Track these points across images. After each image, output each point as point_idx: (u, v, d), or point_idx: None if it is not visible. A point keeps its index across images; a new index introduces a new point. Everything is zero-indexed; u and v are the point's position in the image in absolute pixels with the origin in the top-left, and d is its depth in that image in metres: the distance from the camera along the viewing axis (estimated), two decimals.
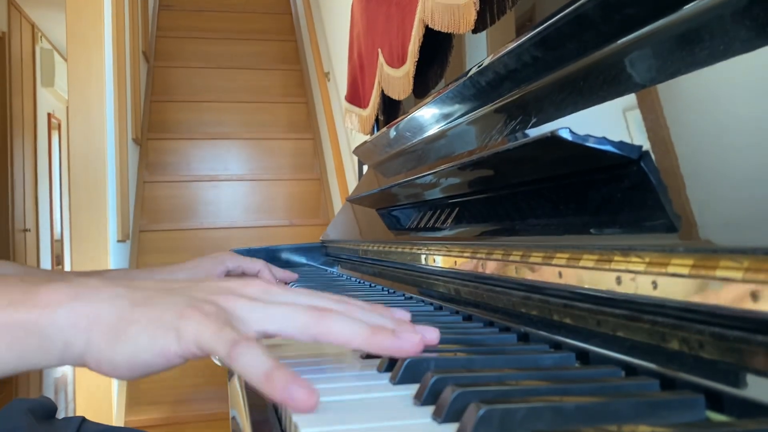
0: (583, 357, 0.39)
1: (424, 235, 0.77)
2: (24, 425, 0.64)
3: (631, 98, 0.46)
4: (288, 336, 0.37)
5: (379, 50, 1.26)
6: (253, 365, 0.32)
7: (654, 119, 0.42)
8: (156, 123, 3.46)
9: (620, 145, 0.42)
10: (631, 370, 0.34)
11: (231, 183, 3.26)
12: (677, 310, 0.32)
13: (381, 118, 1.40)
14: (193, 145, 3.37)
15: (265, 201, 3.26)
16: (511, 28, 0.75)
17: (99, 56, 2.34)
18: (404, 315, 0.42)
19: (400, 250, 0.82)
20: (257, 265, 0.90)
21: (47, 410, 0.72)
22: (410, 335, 0.37)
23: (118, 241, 2.53)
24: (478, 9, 0.81)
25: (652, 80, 0.44)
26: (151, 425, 2.32)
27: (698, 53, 0.41)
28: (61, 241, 6.30)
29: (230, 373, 0.51)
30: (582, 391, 0.31)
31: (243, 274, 0.92)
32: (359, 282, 0.94)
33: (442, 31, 0.89)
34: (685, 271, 0.31)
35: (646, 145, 0.41)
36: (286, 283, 0.95)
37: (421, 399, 0.32)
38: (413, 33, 1.03)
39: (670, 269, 0.32)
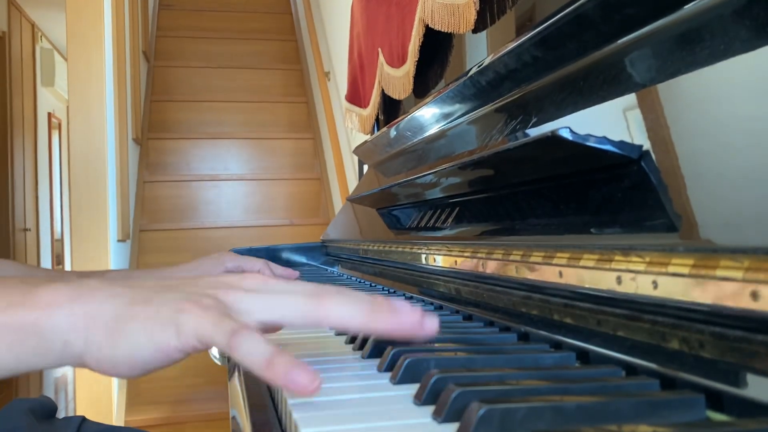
0: (584, 357, 0.39)
1: (424, 235, 0.77)
2: (24, 425, 0.64)
3: (631, 98, 0.46)
4: (288, 323, 0.37)
5: (379, 50, 1.26)
6: (254, 353, 0.32)
7: (654, 119, 0.42)
8: (156, 123, 3.46)
9: (620, 144, 0.42)
10: (631, 370, 0.34)
11: (231, 183, 3.26)
12: (677, 309, 0.32)
13: (381, 117, 1.40)
14: (194, 144, 3.37)
15: (266, 201, 3.26)
16: (511, 28, 0.75)
17: (99, 56, 2.34)
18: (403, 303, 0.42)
19: (400, 249, 0.82)
20: (257, 264, 0.89)
21: (47, 410, 0.72)
22: (410, 312, 0.36)
23: (119, 240, 2.53)
24: (478, 9, 0.81)
25: (652, 80, 0.44)
26: (151, 425, 2.33)
27: (698, 53, 0.41)
28: (62, 240, 6.30)
29: (230, 373, 0.51)
30: (582, 391, 0.31)
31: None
32: (360, 281, 0.94)
33: (442, 30, 0.89)
34: (686, 270, 0.31)
35: (647, 145, 0.41)
36: None
37: (422, 399, 0.32)
38: (413, 32, 1.03)
39: (671, 269, 0.32)
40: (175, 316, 0.34)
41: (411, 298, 0.71)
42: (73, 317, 0.34)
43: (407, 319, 0.36)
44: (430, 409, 0.31)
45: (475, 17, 0.81)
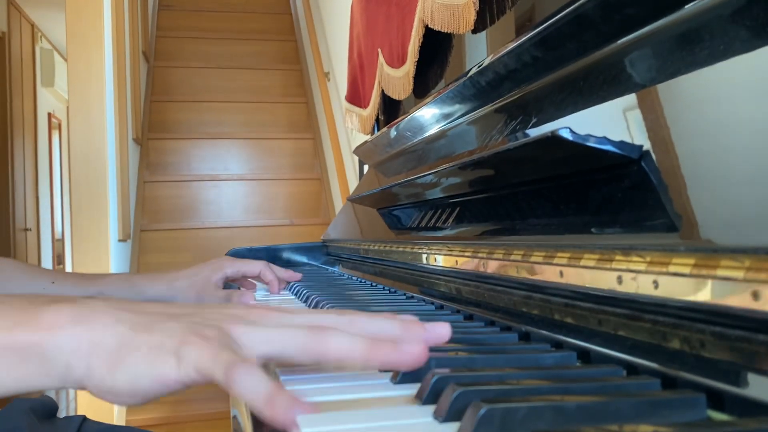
0: (585, 356, 0.39)
1: (425, 235, 0.77)
2: (25, 424, 0.64)
3: (631, 98, 0.46)
4: (288, 357, 0.36)
5: (379, 50, 1.26)
6: (253, 389, 0.31)
7: (654, 119, 0.42)
8: (156, 123, 3.46)
9: (620, 144, 0.42)
10: (632, 370, 0.34)
11: (231, 183, 3.26)
12: (678, 309, 0.32)
13: (381, 117, 1.40)
14: (194, 144, 3.37)
15: (266, 201, 3.27)
16: (511, 28, 0.76)
17: (99, 56, 2.34)
18: (412, 318, 0.42)
19: (401, 249, 0.82)
20: (257, 266, 0.88)
21: (48, 409, 0.72)
22: (411, 347, 0.36)
23: (119, 240, 2.53)
24: (477, 9, 0.81)
25: (652, 80, 0.44)
26: (152, 424, 2.33)
27: (698, 53, 0.41)
28: (62, 240, 6.30)
29: None
30: (583, 391, 0.31)
31: (244, 278, 0.90)
32: (360, 281, 0.94)
33: (442, 31, 0.89)
34: (687, 270, 0.31)
35: (647, 145, 0.41)
36: (288, 283, 0.95)
37: (422, 398, 0.32)
38: (413, 33, 1.03)
39: (672, 269, 0.33)
40: (177, 348, 0.34)
41: (412, 297, 0.71)
42: (77, 341, 0.34)
43: (408, 357, 0.36)
44: (431, 409, 0.31)
45: (475, 17, 0.81)
